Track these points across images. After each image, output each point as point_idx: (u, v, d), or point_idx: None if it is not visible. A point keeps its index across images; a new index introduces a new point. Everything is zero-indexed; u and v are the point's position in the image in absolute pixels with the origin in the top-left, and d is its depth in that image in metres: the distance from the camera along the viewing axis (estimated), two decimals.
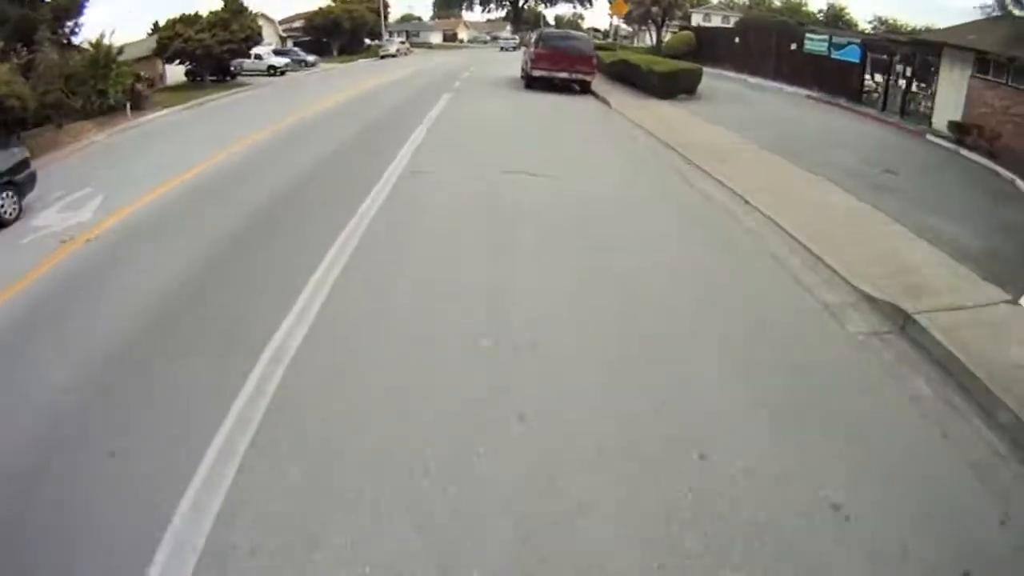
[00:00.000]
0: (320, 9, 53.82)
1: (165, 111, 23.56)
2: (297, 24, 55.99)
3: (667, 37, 36.73)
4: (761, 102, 19.70)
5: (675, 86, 19.78)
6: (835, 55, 21.06)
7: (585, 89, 22.52)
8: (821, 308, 6.32)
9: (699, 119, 16.13)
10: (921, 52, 17.01)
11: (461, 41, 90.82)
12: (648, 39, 43.96)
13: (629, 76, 22.96)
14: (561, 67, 22.01)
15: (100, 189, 11.03)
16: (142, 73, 33.92)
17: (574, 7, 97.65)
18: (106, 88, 22.40)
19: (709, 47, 30.38)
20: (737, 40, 27.91)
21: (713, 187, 10.35)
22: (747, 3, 72.20)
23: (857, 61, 19.79)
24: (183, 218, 9.45)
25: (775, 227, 8.39)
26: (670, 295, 6.60)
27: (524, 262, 7.39)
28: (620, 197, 10.19)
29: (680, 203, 9.93)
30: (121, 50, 24.41)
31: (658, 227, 8.84)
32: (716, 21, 57.13)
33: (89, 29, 25.52)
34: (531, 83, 23.13)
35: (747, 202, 9.36)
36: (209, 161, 12.90)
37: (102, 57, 22.97)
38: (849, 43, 20.58)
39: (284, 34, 52.76)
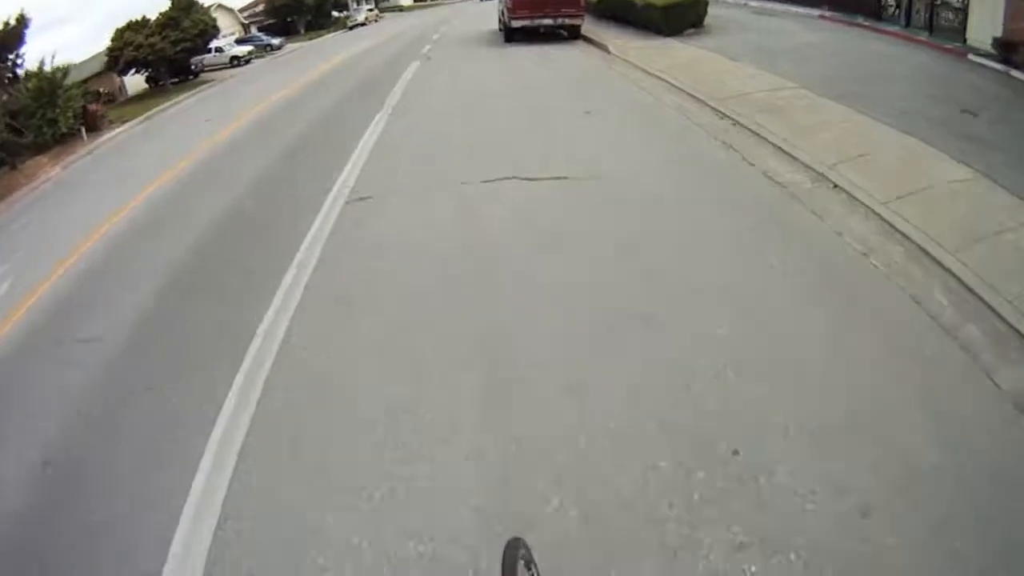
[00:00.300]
0: None
1: (122, 128, 21.78)
2: (260, 8, 53.23)
3: None
4: (776, 29, 16.71)
5: (681, 20, 16.81)
6: None
7: (574, 35, 19.29)
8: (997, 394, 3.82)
9: (718, 56, 13.29)
10: None
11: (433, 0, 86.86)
12: None
13: (623, 14, 19.99)
14: (544, 13, 18.64)
15: (17, 264, 9.19)
16: (101, 90, 32.39)
17: None
18: (56, 116, 20.75)
19: None
20: None
21: (782, 164, 7.21)
22: None
23: None
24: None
25: (886, 228, 5.65)
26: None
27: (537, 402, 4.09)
28: (664, 213, 6.55)
29: (754, 199, 6.54)
30: (66, 72, 22.59)
31: (731, 266, 5.47)
32: None
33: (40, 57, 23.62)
34: (511, 36, 19.80)
35: (836, 186, 6.51)
36: (135, 200, 10.64)
37: (46, 85, 21.26)
38: None
39: (246, 21, 50.14)
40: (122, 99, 31.41)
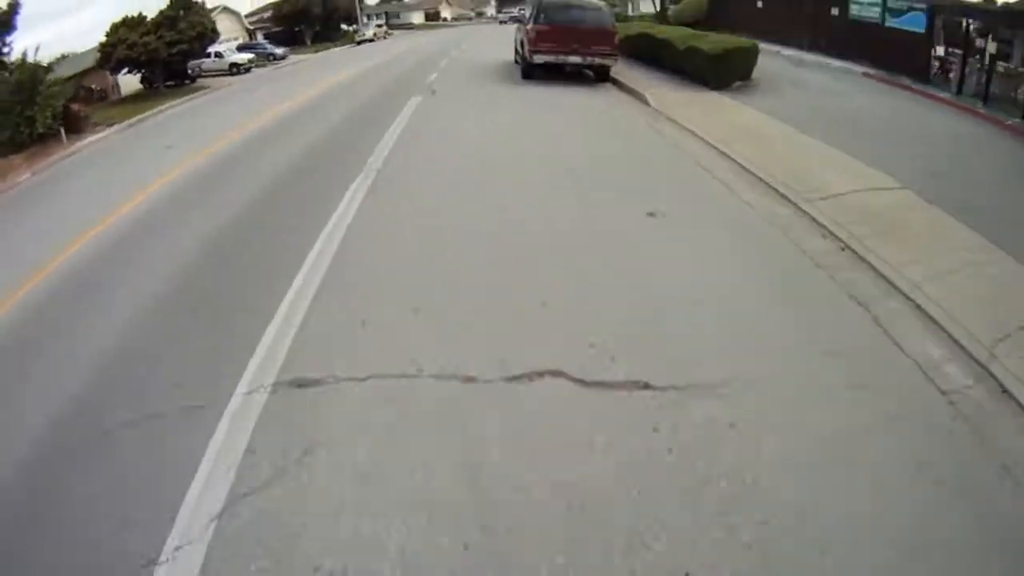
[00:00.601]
0: None
1: (105, 132, 20.24)
2: (267, 15, 52.30)
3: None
4: (827, 88, 15.16)
5: (731, 71, 14.78)
6: (891, 23, 17.34)
7: (603, 77, 16.94)
8: None
9: (783, 125, 11.17)
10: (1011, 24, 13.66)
11: (444, 20, 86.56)
12: (645, 5, 39.82)
13: (656, 55, 17.91)
14: (572, 49, 16.11)
15: None
16: (94, 87, 31.07)
17: None
18: (34, 114, 19.32)
19: (723, 12, 26.32)
20: (760, 4, 24.18)
21: (940, 348, 4.85)
22: None
23: (923, 31, 16.08)
24: None
25: None
26: None
27: None
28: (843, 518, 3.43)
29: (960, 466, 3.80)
30: (50, 68, 21.15)
31: None
32: None
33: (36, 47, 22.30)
34: (530, 72, 17.29)
35: None
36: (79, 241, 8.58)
37: (27, 79, 19.83)
38: (910, 9, 16.69)
39: (251, 27, 49.08)
40: (114, 98, 30.07)
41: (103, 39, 26.35)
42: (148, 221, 9.21)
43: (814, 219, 7.07)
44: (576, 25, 16.01)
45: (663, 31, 18.18)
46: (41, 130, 19.28)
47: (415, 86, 18.05)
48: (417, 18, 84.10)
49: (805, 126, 10.96)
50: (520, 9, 72.28)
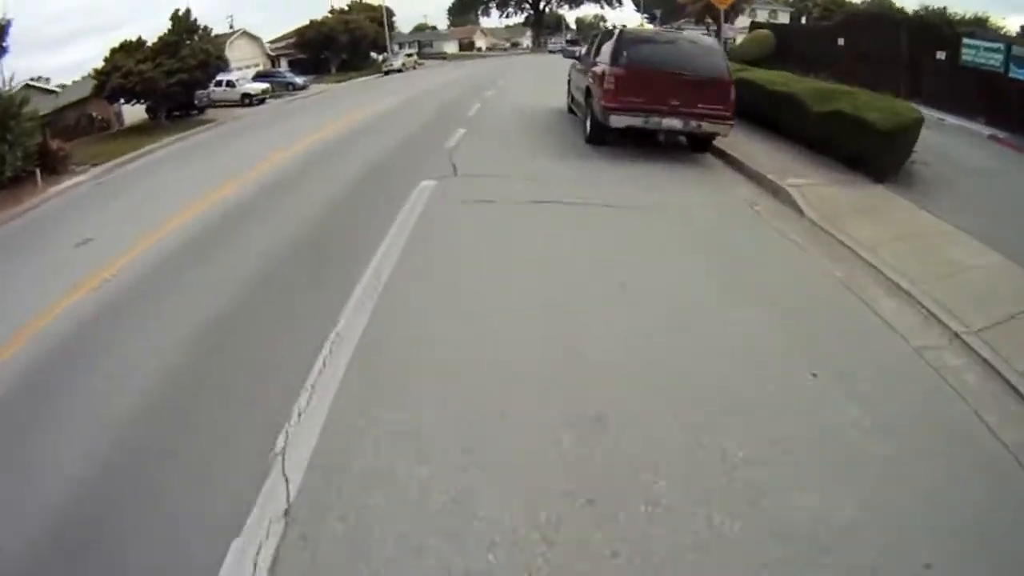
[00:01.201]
0: (312, 22, 47.69)
1: (81, 177, 17.41)
2: (292, 40, 50.29)
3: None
4: (984, 170, 10.76)
5: (900, 153, 9.81)
6: (1017, 74, 13.84)
7: (702, 145, 11.49)
8: None
9: None
10: None
11: (479, 49, 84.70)
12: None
13: (768, 113, 12.59)
14: (670, 107, 10.42)
15: None
16: (95, 114, 28.82)
17: (601, 6, 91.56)
18: (3, 153, 16.62)
19: (793, 50, 23.07)
20: (841, 42, 20.83)
21: None
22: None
23: None
24: None
25: None
26: None
27: None
28: None
29: None
30: (26, 100, 18.51)
31: None
32: (763, 17, 50.14)
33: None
34: (600, 136, 11.53)
35: None
36: None
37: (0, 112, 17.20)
38: None
39: (275, 52, 46.85)
40: (116, 128, 27.79)
41: (96, 67, 23.91)
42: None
43: None
44: (675, 71, 10.57)
45: (778, 81, 13.21)
46: (10, 173, 16.62)
47: (430, 155, 11.78)
48: (450, 47, 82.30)
49: None
50: (571, 38, 68.36)
